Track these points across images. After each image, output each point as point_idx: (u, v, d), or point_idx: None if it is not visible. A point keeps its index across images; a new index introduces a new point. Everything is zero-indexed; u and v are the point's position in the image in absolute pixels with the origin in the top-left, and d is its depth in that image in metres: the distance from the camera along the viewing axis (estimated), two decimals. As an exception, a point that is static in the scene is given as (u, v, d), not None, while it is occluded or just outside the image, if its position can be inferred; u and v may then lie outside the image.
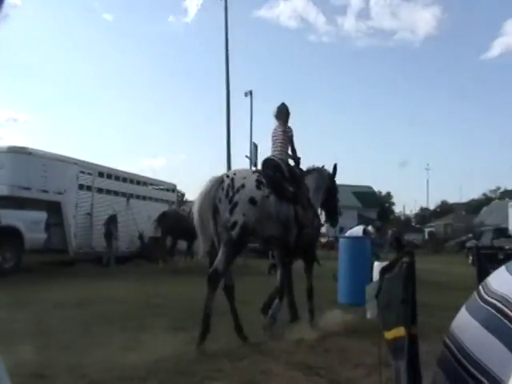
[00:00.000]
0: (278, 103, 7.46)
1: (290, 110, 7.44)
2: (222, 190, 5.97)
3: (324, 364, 5.21)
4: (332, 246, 41.74)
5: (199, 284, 12.40)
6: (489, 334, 1.03)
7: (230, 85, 29.53)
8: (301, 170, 7.46)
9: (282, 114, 7.24)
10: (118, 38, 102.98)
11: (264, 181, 6.25)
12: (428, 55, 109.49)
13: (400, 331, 1.16)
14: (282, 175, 6.81)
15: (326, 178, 7.75)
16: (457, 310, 1.21)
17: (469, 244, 27.71)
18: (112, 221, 17.52)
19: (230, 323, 7.24)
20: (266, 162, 7.08)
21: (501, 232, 22.87)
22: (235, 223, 5.91)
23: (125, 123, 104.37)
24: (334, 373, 4.91)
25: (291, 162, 7.32)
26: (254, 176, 6.32)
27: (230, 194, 5.96)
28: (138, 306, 8.70)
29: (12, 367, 3.83)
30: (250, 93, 32.88)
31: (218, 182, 6.03)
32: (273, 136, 7.21)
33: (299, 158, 7.42)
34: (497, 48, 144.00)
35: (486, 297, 1.11)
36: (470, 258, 24.70)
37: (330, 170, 7.93)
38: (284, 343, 6.07)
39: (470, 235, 34.47)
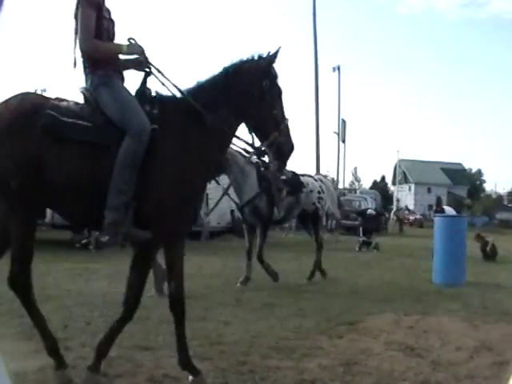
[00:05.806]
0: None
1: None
2: None
3: (424, 345, 5.10)
4: (421, 223, 40.85)
5: (292, 259, 12.55)
6: None
7: (318, 59, 29.13)
8: None
9: None
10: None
11: None
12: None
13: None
14: None
15: None
16: None
17: None
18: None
19: (320, 302, 7.30)
20: None
21: None
22: None
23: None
24: (434, 355, 4.80)
25: None
26: None
27: None
28: (234, 281, 8.80)
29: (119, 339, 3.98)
30: (338, 68, 31.99)
31: None
32: None
33: None
34: None
35: None
36: None
37: None
38: (381, 322, 6.01)
39: None
